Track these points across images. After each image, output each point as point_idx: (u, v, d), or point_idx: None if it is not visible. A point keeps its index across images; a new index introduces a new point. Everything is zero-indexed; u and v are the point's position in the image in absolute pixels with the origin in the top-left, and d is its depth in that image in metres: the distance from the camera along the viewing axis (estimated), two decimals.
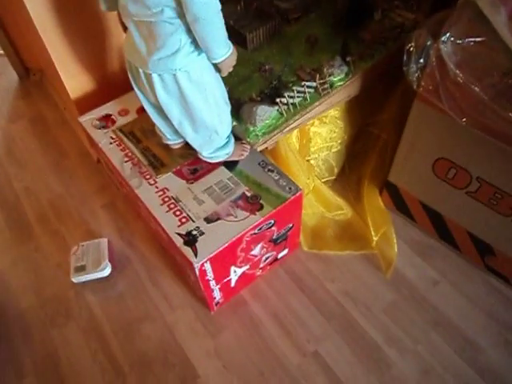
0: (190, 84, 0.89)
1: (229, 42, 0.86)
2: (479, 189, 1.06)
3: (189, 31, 0.82)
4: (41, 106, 1.79)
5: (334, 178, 1.40)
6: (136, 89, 0.98)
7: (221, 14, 0.79)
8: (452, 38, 0.90)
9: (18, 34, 1.74)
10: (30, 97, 1.84)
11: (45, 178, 1.52)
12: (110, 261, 1.21)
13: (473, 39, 0.91)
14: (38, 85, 1.88)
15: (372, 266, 1.24)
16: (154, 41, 0.82)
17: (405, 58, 0.96)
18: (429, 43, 0.91)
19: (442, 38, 0.90)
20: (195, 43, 0.84)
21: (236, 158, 1.09)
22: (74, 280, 1.20)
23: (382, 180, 1.33)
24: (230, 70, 0.91)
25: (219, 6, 0.77)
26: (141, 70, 0.89)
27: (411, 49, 0.95)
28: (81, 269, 1.20)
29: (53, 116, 1.74)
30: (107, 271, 1.21)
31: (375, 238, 1.26)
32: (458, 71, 0.87)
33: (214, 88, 0.94)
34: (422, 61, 0.93)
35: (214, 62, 0.87)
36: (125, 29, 0.95)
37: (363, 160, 1.41)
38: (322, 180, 1.34)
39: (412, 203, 1.28)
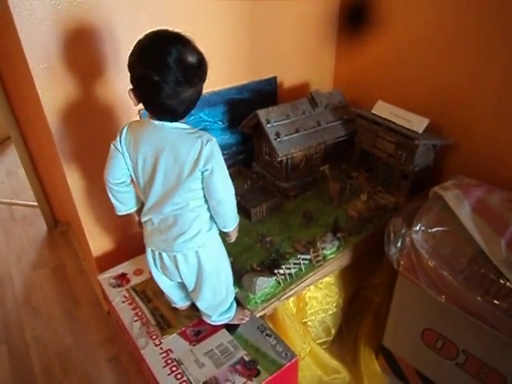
0: (208, 257, 1.05)
1: (236, 220, 1.07)
2: (466, 361, 1.11)
3: (206, 214, 1.02)
4: (63, 256, 1.95)
5: (331, 338, 1.45)
6: (155, 271, 1.13)
7: (234, 197, 1.01)
8: (423, 228, 1.07)
9: (52, 189, 1.99)
10: (55, 246, 2.02)
11: (56, 326, 1.59)
12: None
13: (441, 228, 1.07)
14: (63, 236, 2.07)
15: None
16: (178, 228, 1.00)
17: (385, 240, 1.12)
18: (403, 231, 1.07)
19: (415, 228, 1.06)
20: (210, 222, 1.03)
21: (237, 322, 1.18)
22: None
23: (377, 343, 1.38)
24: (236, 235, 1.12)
25: (234, 189, 1.00)
26: (164, 254, 1.05)
27: (390, 234, 1.10)
28: None
29: (72, 265, 1.89)
30: None
31: None
32: (428, 257, 1.01)
33: (224, 259, 1.11)
34: (399, 245, 1.08)
35: (227, 230, 1.06)
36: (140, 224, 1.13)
37: (359, 322, 1.47)
38: (319, 341, 1.40)
39: (407, 370, 1.31)
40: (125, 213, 1.13)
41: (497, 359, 1.04)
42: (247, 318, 1.17)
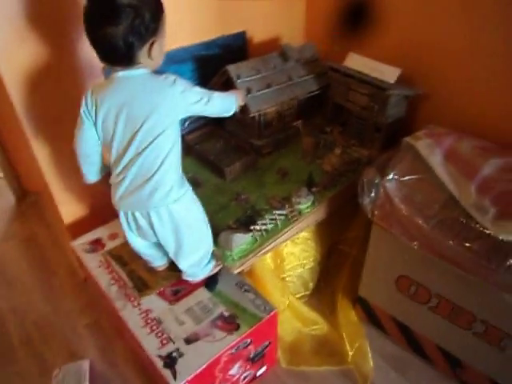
0: (182, 213, 1.04)
1: (232, 97, 1.16)
2: (439, 304, 1.15)
3: (177, 168, 1.02)
4: (34, 226, 1.90)
5: (309, 292, 1.48)
6: (130, 234, 1.12)
7: (223, 102, 1.11)
8: (396, 177, 1.07)
9: (18, 158, 1.92)
10: (25, 217, 1.96)
11: (32, 297, 1.57)
12: (90, 383, 1.22)
13: (414, 177, 1.08)
14: (33, 206, 2.01)
15: (350, 381, 1.26)
16: (150, 185, 0.98)
17: (359, 191, 1.13)
18: (376, 181, 1.08)
19: (388, 177, 1.07)
20: (182, 178, 1.04)
21: (215, 271, 1.20)
22: None
23: (354, 294, 1.42)
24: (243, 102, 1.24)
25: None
26: (138, 214, 1.03)
27: (363, 184, 1.11)
28: None
29: (44, 235, 1.85)
30: None
31: (351, 353, 1.31)
32: (402, 205, 1.02)
33: (200, 213, 1.11)
34: (372, 195, 1.09)
35: (232, 112, 1.17)
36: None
37: (336, 275, 1.50)
38: (298, 295, 1.43)
39: (383, 317, 1.35)
40: (95, 179, 1.13)
41: (467, 299, 1.08)
42: (220, 266, 1.20)
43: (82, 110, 0.98)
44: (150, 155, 0.96)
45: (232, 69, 1.34)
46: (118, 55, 0.91)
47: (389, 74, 1.31)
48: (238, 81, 1.33)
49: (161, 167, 0.97)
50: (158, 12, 0.93)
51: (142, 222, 1.05)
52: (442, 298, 1.13)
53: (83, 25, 0.91)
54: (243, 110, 1.33)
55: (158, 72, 0.99)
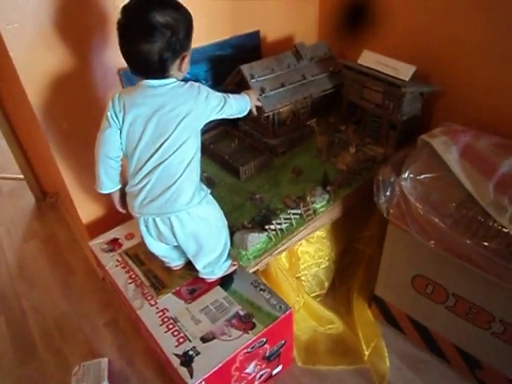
0: (203, 215, 1.07)
1: (246, 98, 1.20)
2: (456, 304, 1.14)
3: (196, 174, 1.05)
4: (53, 226, 1.94)
5: (324, 291, 1.48)
6: (149, 239, 1.14)
7: (237, 103, 1.15)
8: (412, 175, 1.06)
9: (38, 160, 1.96)
10: (44, 218, 2.00)
11: (52, 295, 1.60)
12: (109, 381, 1.25)
13: (430, 175, 1.07)
14: (52, 206, 2.06)
15: (366, 380, 1.26)
16: (171, 191, 1.00)
17: (374, 190, 1.12)
18: (392, 179, 1.07)
19: (404, 175, 1.06)
20: (200, 183, 1.08)
21: (232, 269, 1.21)
22: None
23: (370, 293, 1.41)
24: (257, 103, 1.28)
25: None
26: (159, 220, 1.05)
27: (379, 183, 1.10)
28: None
29: (63, 235, 1.88)
30: None
31: (367, 352, 1.30)
32: (418, 204, 1.01)
33: (218, 212, 1.13)
34: (388, 194, 1.08)
35: (246, 112, 1.21)
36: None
37: (351, 274, 1.50)
38: (313, 295, 1.43)
39: (399, 316, 1.34)
40: (109, 191, 1.13)
41: (485, 299, 1.06)
42: (236, 266, 1.22)
43: (108, 114, 1.00)
44: (173, 162, 0.99)
45: (246, 68, 1.34)
46: (152, 69, 0.95)
47: (404, 71, 1.29)
48: (252, 80, 1.33)
49: (183, 173, 1.00)
50: (190, 29, 0.97)
51: (163, 227, 1.06)
52: (460, 298, 1.12)
53: (117, 38, 0.94)
54: (258, 109, 1.33)
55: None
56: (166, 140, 0.97)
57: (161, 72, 0.96)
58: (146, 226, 1.10)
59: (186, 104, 0.97)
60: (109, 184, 1.10)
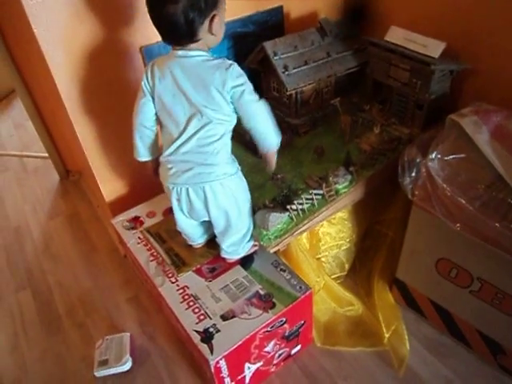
0: (235, 188, 1.06)
1: (276, 133, 1.06)
2: (481, 288, 1.11)
3: (229, 146, 1.04)
4: (77, 204, 1.98)
5: (345, 273, 1.47)
6: (180, 215, 1.13)
7: (270, 116, 1.03)
8: (439, 156, 1.03)
9: (61, 139, 1.99)
10: (68, 195, 2.04)
11: (76, 271, 1.64)
12: (131, 355, 1.28)
13: (458, 156, 1.04)
14: (75, 184, 2.09)
15: (384, 363, 1.25)
16: (204, 159, 1.01)
17: (399, 171, 1.09)
18: (418, 160, 1.04)
19: (431, 156, 1.03)
20: (233, 157, 1.07)
21: (254, 249, 1.21)
22: (97, 374, 1.26)
23: (391, 276, 1.39)
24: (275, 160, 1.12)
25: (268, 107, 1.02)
26: (192, 192, 1.04)
27: (404, 164, 1.07)
28: (104, 363, 1.26)
29: (87, 213, 1.92)
30: (128, 365, 1.27)
31: (387, 335, 1.30)
32: (445, 185, 0.98)
33: (247, 194, 1.12)
34: (413, 175, 1.05)
35: (271, 150, 1.07)
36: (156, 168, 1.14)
37: (373, 257, 1.48)
38: (333, 276, 1.42)
39: (421, 300, 1.32)
40: (146, 159, 1.14)
41: (511, 284, 1.04)
42: (257, 247, 1.21)
43: (143, 83, 1.00)
44: (207, 133, 0.98)
45: (268, 46, 1.31)
46: (180, 32, 0.91)
47: (433, 48, 1.24)
48: (275, 58, 1.30)
49: (218, 143, 1.00)
50: None
51: (196, 200, 1.06)
52: (485, 282, 1.09)
53: (145, 5, 0.92)
54: (280, 88, 1.31)
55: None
56: (194, 114, 0.97)
57: (189, 36, 0.92)
58: (178, 200, 1.08)
59: (212, 77, 0.94)
60: (145, 152, 1.12)
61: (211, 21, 0.92)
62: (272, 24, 1.49)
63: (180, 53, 0.95)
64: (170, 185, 1.06)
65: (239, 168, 1.10)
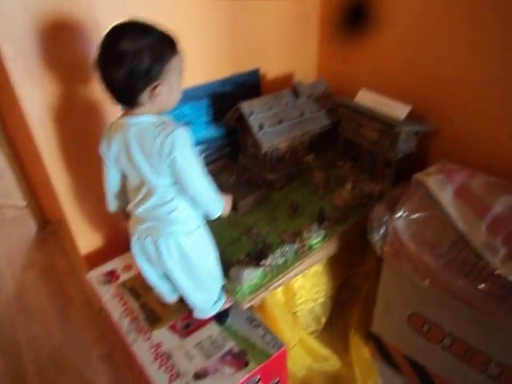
0: (191, 247, 1.06)
1: (220, 199, 1.05)
2: (452, 344, 1.13)
3: (184, 205, 1.03)
4: (54, 255, 1.96)
5: (321, 327, 1.47)
6: (141, 261, 1.14)
7: (209, 185, 1.00)
8: (405, 214, 1.07)
9: (42, 188, 1.98)
10: (46, 246, 2.02)
11: (49, 326, 1.60)
12: None
13: (423, 214, 1.08)
14: (54, 235, 2.07)
15: None
16: (161, 217, 1.02)
17: (368, 228, 1.13)
18: (386, 218, 1.08)
19: (397, 214, 1.07)
20: (192, 215, 1.05)
21: (227, 305, 1.20)
22: None
23: (367, 329, 1.40)
24: (228, 212, 1.10)
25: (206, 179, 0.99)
26: (148, 240, 1.05)
27: (373, 221, 1.11)
28: None
29: (64, 264, 1.90)
30: None
31: None
32: (411, 243, 1.02)
33: (210, 252, 1.12)
34: (382, 232, 1.09)
35: (213, 217, 1.06)
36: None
37: (349, 310, 1.49)
38: (309, 330, 1.42)
39: (396, 355, 1.32)
40: (115, 210, 1.18)
41: (481, 340, 1.06)
42: (232, 300, 1.20)
43: (101, 151, 1.04)
44: (157, 197, 1.00)
45: (244, 106, 1.38)
46: (122, 97, 0.95)
47: (399, 110, 1.32)
48: (250, 118, 1.37)
49: (168, 207, 1.01)
50: (162, 56, 0.91)
51: (152, 249, 1.07)
52: (456, 338, 1.11)
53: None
54: (256, 145, 1.36)
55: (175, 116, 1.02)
56: (143, 178, 0.99)
57: (130, 101, 0.94)
58: (139, 246, 1.10)
59: (155, 143, 0.92)
60: (115, 206, 1.17)
61: (153, 89, 0.92)
62: (249, 85, 1.57)
63: (128, 117, 0.96)
64: (132, 231, 1.09)
65: (203, 223, 1.09)
